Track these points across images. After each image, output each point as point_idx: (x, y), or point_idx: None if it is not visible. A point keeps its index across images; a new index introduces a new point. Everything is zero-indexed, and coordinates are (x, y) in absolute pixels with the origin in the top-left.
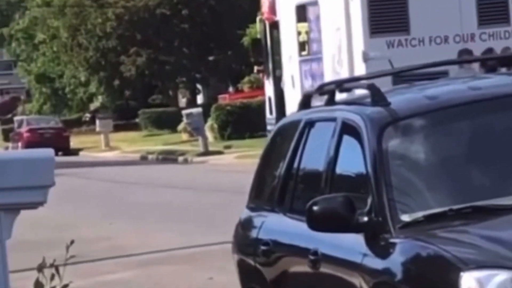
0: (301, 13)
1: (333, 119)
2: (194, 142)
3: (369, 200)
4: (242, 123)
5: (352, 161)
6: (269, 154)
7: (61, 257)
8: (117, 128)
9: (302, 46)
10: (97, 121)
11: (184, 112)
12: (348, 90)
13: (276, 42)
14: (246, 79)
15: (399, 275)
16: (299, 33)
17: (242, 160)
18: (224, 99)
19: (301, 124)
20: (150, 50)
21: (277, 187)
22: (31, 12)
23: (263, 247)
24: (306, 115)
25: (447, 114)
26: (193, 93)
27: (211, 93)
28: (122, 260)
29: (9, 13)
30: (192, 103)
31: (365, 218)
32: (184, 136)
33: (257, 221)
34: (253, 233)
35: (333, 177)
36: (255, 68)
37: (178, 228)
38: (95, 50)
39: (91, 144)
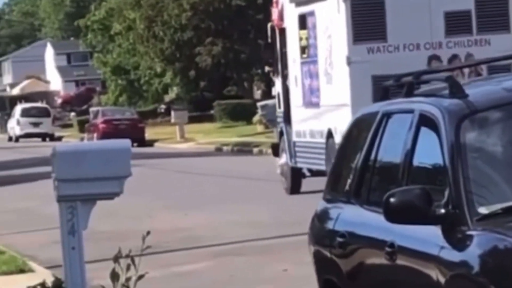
0: (302, 22)
1: (411, 111)
2: (269, 134)
3: (446, 192)
4: None
5: (429, 153)
6: (345, 146)
7: (136, 247)
8: (192, 120)
9: (303, 50)
10: (172, 113)
11: (259, 104)
12: (425, 82)
13: (283, 46)
14: None
15: (476, 268)
16: (300, 39)
17: None
18: None
19: (379, 116)
20: (225, 40)
21: (354, 179)
22: (107, 3)
23: (339, 239)
24: (384, 107)
25: None
26: (268, 85)
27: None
28: (197, 251)
29: (86, 4)
30: (267, 95)
31: (442, 210)
32: (259, 128)
33: (333, 213)
34: (329, 225)
35: (410, 169)
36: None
37: (252, 219)
38: (170, 41)
39: (166, 136)
